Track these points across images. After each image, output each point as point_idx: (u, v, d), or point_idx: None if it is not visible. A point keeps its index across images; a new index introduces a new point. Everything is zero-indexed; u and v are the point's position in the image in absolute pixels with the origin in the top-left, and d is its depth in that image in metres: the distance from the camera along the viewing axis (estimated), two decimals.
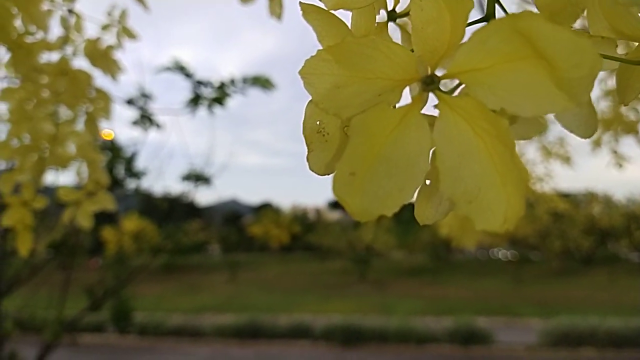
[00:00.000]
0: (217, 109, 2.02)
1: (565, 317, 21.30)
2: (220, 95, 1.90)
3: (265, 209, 56.16)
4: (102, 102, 0.95)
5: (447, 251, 45.69)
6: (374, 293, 34.45)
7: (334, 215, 67.93)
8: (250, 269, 45.60)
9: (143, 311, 26.95)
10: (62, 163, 0.93)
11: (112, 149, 2.96)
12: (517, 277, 35.90)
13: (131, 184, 3.56)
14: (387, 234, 41.68)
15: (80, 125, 0.95)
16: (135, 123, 3.34)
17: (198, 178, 3.51)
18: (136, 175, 3.50)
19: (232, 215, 61.98)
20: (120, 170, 3.35)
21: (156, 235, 39.21)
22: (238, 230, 56.71)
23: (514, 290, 33.33)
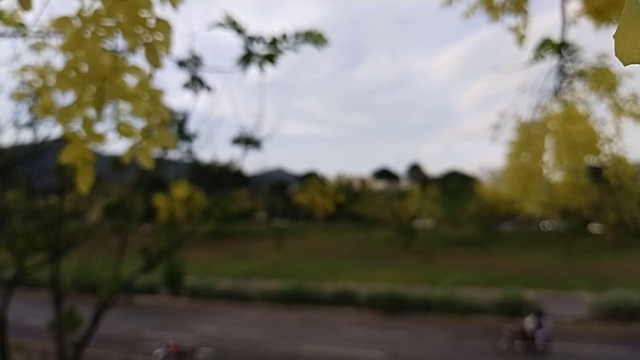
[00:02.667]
0: (268, 68, 1.98)
1: (618, 291, 20.65)
2: (272, 52, 1.86)
3: (310, 178, 56.50)
4: (162, 33, 0.92)
5: (495, 222, 44.87)
6: (419, 263, 34.39)
7: (379, 185, 67.70)
8: (295, 237, 46.30)
9: (194, 275, 27.92)
10: (122, 95, 0.92)
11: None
12: (568, 250, 34.96)
13: (182, 148, 3.60)
14: (433, 205, 41.29)
15: (139, 58, 0.93)
16: (186, 86, 3.36)
17: (248, 141, 3.51)
18: (187, 138, 3.54)
19: (278, 184, 62.75)
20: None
21: (205, 202, 40.15)
22: (284, 198, 57.47)
23: (565, 263, 32.52)
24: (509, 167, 2.05)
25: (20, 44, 2.00)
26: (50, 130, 3.27)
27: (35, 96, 2.16)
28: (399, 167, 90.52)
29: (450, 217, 41.28)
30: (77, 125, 0.95)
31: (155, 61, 0.96)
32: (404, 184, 65.65)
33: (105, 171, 4.43)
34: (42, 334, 15.46)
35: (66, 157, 0.96)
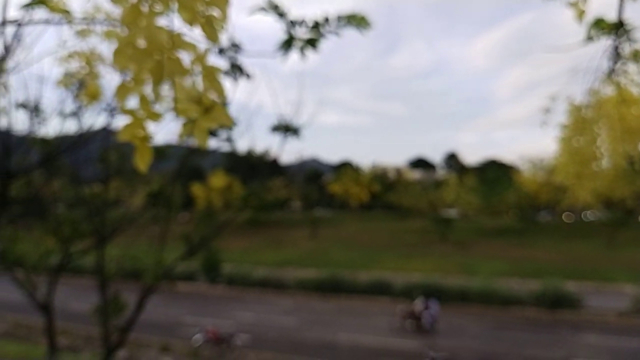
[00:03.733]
0: (307, 54, 1.94)
1: None
2: (315, 36, 1.82)
3: (345, 168, 56.44)
4: (218, 7, 0.90)
5: (535, 212, 43.81)
6: (456, 253, 33.96)
7: (415, 175, 67.04)
8: (330, 226, 46.38)
9: (230, 263, 28.37)
10: (180, 71, 0.90)
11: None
12: (610, 241, 33.90)
13: (221, 136, 3.61)
14: (471, 194, 40.58)
15: (196, 34, 0.91)
16: (225, 73, 3.36)
17: (287, 129, 3.49)
18: (227, 126, 3.53)
19: (312, 174, 62.94)
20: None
21: (242, 191, 40.73)
22: (318, 188, 57.65)
23: (607, 254, 31.56)
24: (562, 152, 1.96)
25: (66, 31, 2.03)
26: (95, 119, 3.33)
27: (81, 83, 2.19)
28: (435, 156, 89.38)
29: (488, 207, 40.53)
30: (134, 103, 0.94)
31: (213, 36, 0.94)
32: (440, 173, 64.84)
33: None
34: (86, 319, 15.92)
35: (124, 135, 0.95)
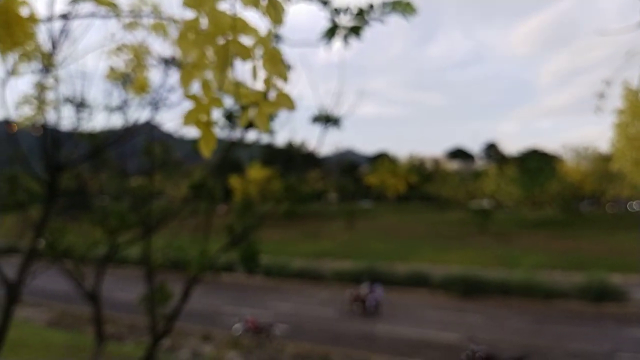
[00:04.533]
0: (345, 43, 1.91)
1: None
2: (359, 24, 1.78)
3: (381, 159, 55.98)
4: None
5: (578, 203, 42.46)
6: (496, 245, 33.33)
7: (453, 165, 66.01)
8: (367, 218, 46.24)
9: (268, 254, 28.65)
10: (245, 54, 0.90)
11: None
12: None
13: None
14: (511, 185, 39.67)
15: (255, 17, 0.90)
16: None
17: (328, 120, 3.48)
18: (269, 116, 3.54)
19: (349, 165, 62.81)
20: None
21: (279, 183, 41.03)
22: (355, 179, 57.50)
23: None
24: (619, 139, 1.87)
25: (113, 25, 2.06)
26: (140, 112, 3.40)
27: (129, 76, 2.22)
28: (474, 146, 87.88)
29: (529, 198, 39.56)
30: (196, 88, 0.94)
31: (277, 18, 0.92)
32: (480, 163, 63.66)
33: (188, 154, 4.58)
34: (130, 308, 16.38)
35: (187, 120, 0.95)
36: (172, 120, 3.75)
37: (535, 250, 29.56)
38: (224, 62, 0.89)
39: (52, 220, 3.44)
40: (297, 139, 51.97)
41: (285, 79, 0.97)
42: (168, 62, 2.85)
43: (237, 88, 0.95)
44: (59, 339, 15.66)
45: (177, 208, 4.10)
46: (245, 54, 0.91)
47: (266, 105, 0.98)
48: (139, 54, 1.99)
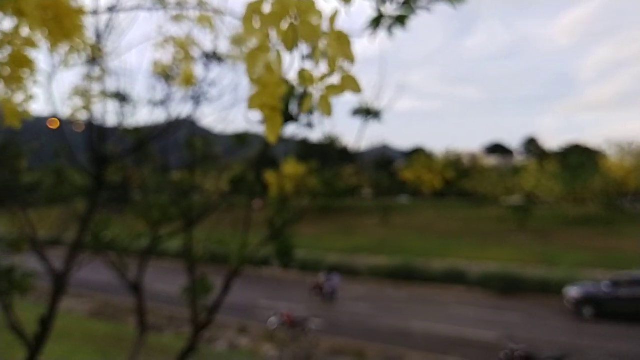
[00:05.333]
0: (396, 32, 1.87)
1: None
2: (405, 13, 1.74)
3: (417, 154, 55.30)
4: None
5: (622, 200, 40.98)
6: (535, 242, 32.55)
7: (491, 161, 64.73)
8: (402, 213, 45.85)
9: (303, 249, 28.77)
10: (313, 34, 0.88)
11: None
12: None
13: (304, 120, 3.62)
14: (552, 181, 38.61)
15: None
16: (307, 57, 3.32)
17: (368, 112, 3.44)
18: (311, 110, 3.53)
19: (383, 160, 62.38)
20: (294, 107, 3.42)
21: (314, 179, 41.10)
22: (390, 174, 57.06)
23: None
24: None
25: (158, 18, 2.08)
26: (182, 106, 3.44)
27: (174, 69, 2.25)
28: (513, 140, 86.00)
29: (571, 194, 38.43)
30: (260, 71, 0.93)
31: None
32: (519, 158, 62.25)
33: (226, 149, 4.62)
34: (169, 300, 16.73)
35: (252, 104, 0.94)
36: (212, 114, 3.77)
37: (576, 248, 28.75)
38: (292, 44, 0.88)
39: (97, 212, 3.52)
40: (333, 134, 51.99)
41: (352, 60, 0.94)
42: (210, 56, 2.87)
43: (302, 71, 0.93)
44: (100, 329, 16.13)
45: (217, 202, 4.14)
46: (313, 34, 0.89)
47: (331, 89, 0.96)
48: (185, 47, 2.00)
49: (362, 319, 18.24)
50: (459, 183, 45.17)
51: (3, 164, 3.76)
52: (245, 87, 3.53)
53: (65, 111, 2.65)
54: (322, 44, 0.92)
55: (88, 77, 2.25)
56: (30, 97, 1.42)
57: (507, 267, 23.37)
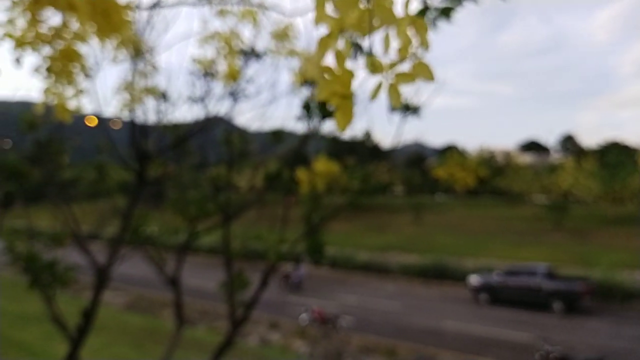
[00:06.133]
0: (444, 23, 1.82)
1: None
2: (452, 5, 1.68)
3: (450, 151, 53.98)
4: None
5: None
6: (572, 242, 31.70)
7: (526, 158, 63.37)
8: (434, 211, 45.30)
9: (333, 246, 28.76)
10: (390, 18, 0.86)
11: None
12: None
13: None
14: (590, 179, 37.53)
15: None
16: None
17: (407, 108, 3.40)
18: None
19: (415, 158, 61.77)
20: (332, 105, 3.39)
21: (344, 176, 40.91)
22: (422, 172, 56.49)
23: None
24: None
25: (201, 13, 2.08)
26: (221, 103, 3.46)
27: (217, 65, 2.25)
28: (549, 138, 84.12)
29: (609, 193, 37.30)
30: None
31: None
32: (555, 156, 60.78)
33: (262, 147, 4.64)
34: (201, 294, 16.95)
35: (322, 93, 0.92)
36: (249, 111, 3.78)
37: (615, 249, 27.89)
38: (366, 29, 0.85)
39: (137, 208, 3.57)
40: (364, 131, 51.70)
41: (427, 47, 0.91)
42: (249, 52, 2.87)
43: (370, 58, 0.90)
44: (136, 322, 16.48)
45: (253, 198, 4.16)
46: (389, 18, 0.86)
47: (401, 76, 0.93)
48: (230, 42, 2.00)
49: (393, 317, 18.12)
50: (493, 181, 44.34)
51: (46, 160, 3.85)
52: (283, 84, 3.53)
53: (108, 108, 2.70)
54: (391, 30, 0.89)
55: (136, 72, 2.27)
56: (80, 92, 1.43)
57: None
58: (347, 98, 0.93)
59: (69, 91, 1.43)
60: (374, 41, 0.90)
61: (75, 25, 1.37)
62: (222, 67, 2.20)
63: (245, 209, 3.85)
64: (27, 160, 3.89)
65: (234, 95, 3.34)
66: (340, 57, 0.89)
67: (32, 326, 13.44)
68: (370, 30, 0.84)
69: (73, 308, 4.18)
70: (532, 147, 65.25)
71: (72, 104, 1.42)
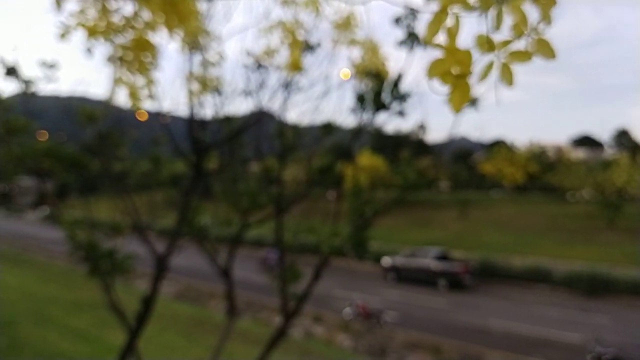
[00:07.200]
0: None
1: None
2: None
3: (498, 146, 52.86)
4: None
5: None
6: (626, 241, 30.41)
7: (578, 154, 61.06)
8: (480, 207, 44.29)
9: (377, 241, 28.60)
10: None
11: (378, 74, 2.93)
12: None
13: (395, 108, 3.52)
14: None
15: None
16: (401, 43, 3.26)
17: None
18: (402, 98, 3.44)
19: (462, 153, 60.51)
20: (387, 96, 3.34)
21: (388, 171, 40.67)
22: (468, 167, 55.27)
23: None
24: None
25: (260, 4, 2.08)
26: (274, 96, 3.46)
27: (278, 55, 2.24)
28: (603, 133, 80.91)
29: None
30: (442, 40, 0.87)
31: None
32: (609, 152, 58.39)
33: (312, 139, 4.62)
34: (245, 286, 17.18)
35: (432, 72, 0.89)
36: (302, 104, 3.76)
37: None
38: (487, 3, 0.80)
39: (195, 200, 3.62)
40: (419, 124, 51.14)
41: (550, 22, 0.86)
42: (309, 44, 2.85)
43: (481, 37, 0.86)
44: (185, 311, 16.88)
45: (304, 191, 4.15)
46: None
47: (515, 55, 0.88)
48: (293, 32, 1.98)
49: (437, 314, 17.89)
50: (543, 177, 42.94)
51: (106, 152, 3.96)
52: (335, 75, 3.50)
53: (165, 101, 2.74)
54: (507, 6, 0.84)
55: (202, 63, 2.29)
56: (151, 81, 1.45)
57: (594, 266, 22.01)
58: (464, 77, 0.89)
59: (140, 81, 1.45)
60: (485, 18, 0.85)
61: (146, 15, 1.38)
62: (283, 58, 2.19)
63: (296, 202, 3.86)
64: (87, 151, 4.01)
65: (288, 88, 3.34)
66: (451, 34, 0.85)
67: (86, 313, 13.98)
68: (491, 4, 0.80)
69: (125, 296, 4.29)
70: (585, 142, 62.92)
71: (143, 93, 1.43)
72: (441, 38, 0.86)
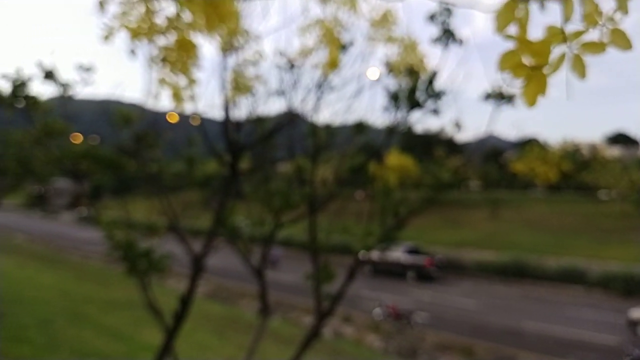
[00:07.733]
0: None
1: None
2: None
3: (529, 144, 51.43)
4: None
5: None
6: None
7: (614, 152, 59.39)
8: (512, 207, 43.51)
9: (407, 240, 28.39)
10: None
11: (413, 72, 2.90)
12: None
13: (430, 107, 3.49)
14: None
15: None
16: (436, 40, 3.22)
17: (501, 96, 3.25)
18: (437, 95, 3.40)
19: (492, 151, 59.50)
20: (421, 94, 3.31)
21: (417, 170, 40.24)
22: (499, 166, 54.36)
23: None
24: None
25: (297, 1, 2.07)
26: (307, 96, 3.46)
27: (316, 53, 2.23)
28: (638, 130, 78.61)
29: None
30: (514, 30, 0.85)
31: None
32: None
33: (343, 138, 4.61)
34: (275, 286, 17.30)
35: (504, 64, 0.87)
36: (335, 103, 3.75)
37: None
38: None
39: (228, 199, 3.65)
40: (454, 122, 50.45)
41: (626, 12, 0.83)
42: (346, 42, 2.84)
43: (551, 28, 0.83)
44: (216, 310, 17.06)
45: (337, 191, 4.14)
46: None
47: (589, 46, 0.85)
48: (331, 29, 1.97)
49: (469, 316, 17.65)
50: (577, 176, 41.93)
51: (142, 153, 4.02)
52: (368, 75, 3.47)
53: (201, 103, 2.76)
54: None
55: (242, 63, 2.31)
56: (193, 82, 1.46)
57: (631, 266, 21.41)
58: (539, 69, 0.86)
59: (183, 81, 1.46)
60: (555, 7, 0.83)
61: (188, 15, 1.40)
62: (319, 57, 2.18)
63: (329, 202, 3.85)
64: (123, 153, 4.09)
65: (322, 87, 3.34)
66: (522, 25, 0.82)
67: (120, 312, 14.24)
68: None
69: (159, 295, 4.35)
70: (621, 139, 61.15)
71: (186, 93, 1.45)
72: (511, 29, 0.83)
